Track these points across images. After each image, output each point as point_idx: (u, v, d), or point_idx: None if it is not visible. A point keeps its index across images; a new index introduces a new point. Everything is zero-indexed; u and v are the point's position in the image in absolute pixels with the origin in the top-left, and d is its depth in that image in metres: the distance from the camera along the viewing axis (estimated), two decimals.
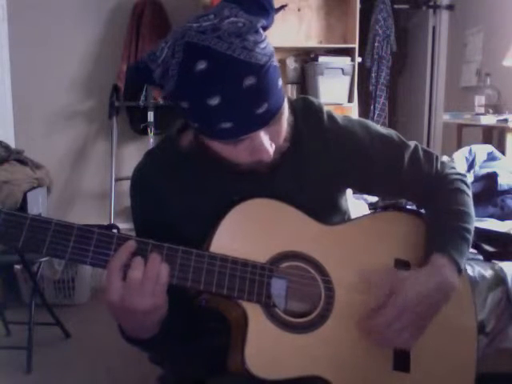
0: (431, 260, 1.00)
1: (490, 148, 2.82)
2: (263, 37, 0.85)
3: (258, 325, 0.92)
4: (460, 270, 1.01)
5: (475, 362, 1.06)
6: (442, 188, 1.11)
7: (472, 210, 1.09)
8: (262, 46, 0.84)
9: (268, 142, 0.89)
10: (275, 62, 0.87)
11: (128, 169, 4.00)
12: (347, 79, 3.73)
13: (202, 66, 0.81)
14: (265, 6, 0.87)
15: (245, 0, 0.85)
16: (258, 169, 0.94)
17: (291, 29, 3.80)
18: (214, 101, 0.82)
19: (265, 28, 0.87)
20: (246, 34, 0.82)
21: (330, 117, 1.07)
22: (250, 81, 0.82)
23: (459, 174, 1.14)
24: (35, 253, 0.86)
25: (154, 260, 0.85)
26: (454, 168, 1.15)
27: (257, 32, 0.84)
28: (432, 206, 1.11)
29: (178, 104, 0.87)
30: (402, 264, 1.05)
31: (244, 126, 0.86)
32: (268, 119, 0.87)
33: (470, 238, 1.05)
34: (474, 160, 2.70)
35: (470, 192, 1.12)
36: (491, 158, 2.75)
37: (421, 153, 1.11)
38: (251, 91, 0.82)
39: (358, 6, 3.66)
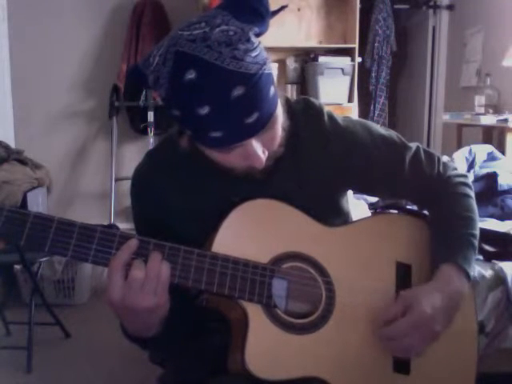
0: (440, 271, 1.00)
1: (490, 148, 2.82)
2: (255, 44, 0.84)
3: (259, 325, 0.92)
4: (469, 278, 1.01)
5: (476, 363, 1.06)
6: (445, 191, 1.10)
7: (476, 214, 1.09)
8: (254, 54, 0.83)
9: (260, 150, 0.89)
10: (268, 69, 0.86)
11: (128, 169, 4.01)
12: (347, 79, 3.73)
13: (190, 75, 0.80)
14: (260, 11, 0.86)
15: (238, 7, 0.84)
16: (253, 174, 0.94)
17: (291, 29, 3.80)
18: (204, 110, 0.82)
19: (259, 34, 0.86)
20: (236, 43, 0.81)
21: (331, 118, 1.06)
22: (238, 91, 0.81)
23: (462, 175, 1.14)
24: (37, 250, 0.86)
25: (155, 259, 0.85)
26: (456, 169, 1.15)
27: (248, 40, 0.83)
28: (436, 211, 1.10)
29: (171, 112, 0.87)
30: (403, 267, 1.05)
31: (234, 134, 0.85)
32: (259, 127, 0.86)
33: (476, 243, 1.05)
34: (473, 160, 2.70)
35: (473, 194, 1.12)
36: (491, 157, 2.76)
37: (422, 154, 1.11)
38: (240, 101, 0.82)
39: (358, 5, 3.66)
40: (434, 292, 0.97)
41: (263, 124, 0.86)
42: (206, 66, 0.80)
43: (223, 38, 0.81)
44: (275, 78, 0.92)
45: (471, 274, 1.01)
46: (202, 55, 0.80)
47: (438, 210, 1.10)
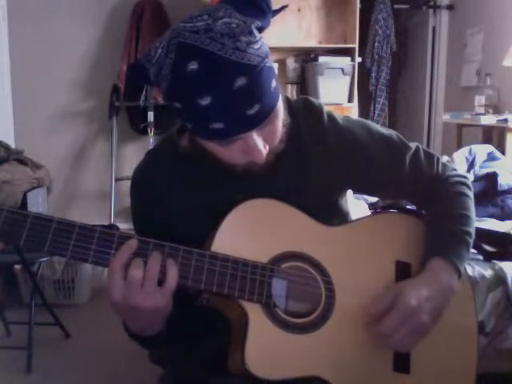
0: (430, 264, 1.00)
1: (490, 148, 2.83)
2: (257, 37, 0.84)
3: (259, 325, 0.92)
4: (459, 273, 1.01)
5: (476, 363, 1.06)
6: (442, 190, 1.10)
7: (473, 213, 1.09)
8: (256, 46, 0.83)
9: (261, 143, 0.89)
10: (270, 62, 0.86)
11: (128, 169, 4.01)
12: (347, 79, 3.74)
13: (193, 66, 0.81)
14: (262, 6, 0.86)
15: (240, 1, 0.85)
16: (254, 170, 0.94)
17: (291, 29, 3.80)
18: (205, 101, 0.82)
19: (261, 29, 0.87)
20: (239, 35, 0.82)
21: (331, 117, 1.06)
22: (241, 81, 0.81)
23: (461, 175, 1.14)
24: (37, 251, 0.86)
25: (154, 259, 0.85)
26: (455, 170, 1.15)
27: (250, 33, 0.83)
28: (432, 209, 1.10)
29: (172, 104, 0.87)
30: (402, 266, 1.05)
31: (236, 126, 0.85)
32: (260, 120, 0.86)
33: (471, 241, 1.05)
34: (474, 160, 2.70)
35: (471, 194, 1.12)
36: (491, 157, 2.76)
37: (422, 154, 1.11)
38: (242, 92, 0.82)
39: (358, 5, 3.66)
40: (419, 284, 0.98)
41: (264, 116, 0.86)
42: (209, 56, 0.80)
43: (226, 30, 0.81)
44: None
45: (462, 269, 1.02)
46: (204, 46, 0.80)
47: (434, 208, 1.10)
